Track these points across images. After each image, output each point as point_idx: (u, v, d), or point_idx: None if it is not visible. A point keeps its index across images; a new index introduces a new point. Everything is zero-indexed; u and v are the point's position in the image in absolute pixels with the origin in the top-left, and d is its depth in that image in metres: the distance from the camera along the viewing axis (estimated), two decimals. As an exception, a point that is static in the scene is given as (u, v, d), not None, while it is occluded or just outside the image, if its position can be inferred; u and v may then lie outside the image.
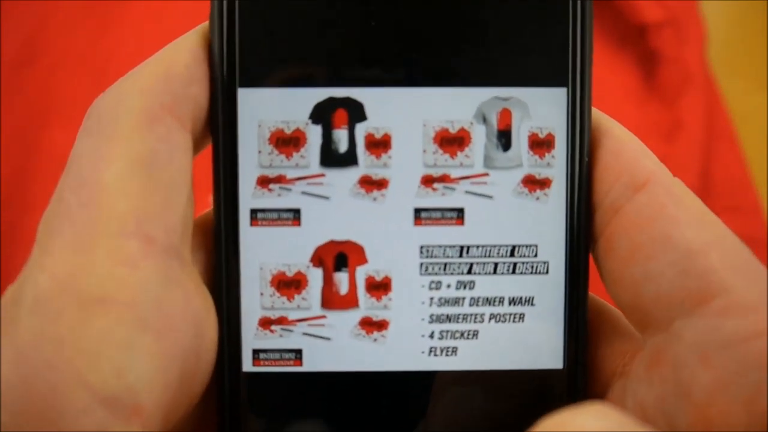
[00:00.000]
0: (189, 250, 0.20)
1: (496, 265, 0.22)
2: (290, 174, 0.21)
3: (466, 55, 0.21)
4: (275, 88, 0.21)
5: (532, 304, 0.22)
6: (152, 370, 0.18)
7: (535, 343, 0.22)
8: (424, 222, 0.21)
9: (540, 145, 0.21)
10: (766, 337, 0.18)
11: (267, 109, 0.21)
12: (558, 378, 0.21)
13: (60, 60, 0.54)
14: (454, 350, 0.22)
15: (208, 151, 0.22)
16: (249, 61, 0.21)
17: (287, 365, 0.21)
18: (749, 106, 0.60)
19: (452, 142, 0.21)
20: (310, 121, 0.21)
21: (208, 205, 0.22)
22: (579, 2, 0.21)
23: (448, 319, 0.22)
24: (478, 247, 0.21)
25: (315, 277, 0.21)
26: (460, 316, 0.22)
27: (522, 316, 0.22)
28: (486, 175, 0.21)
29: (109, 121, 0.19)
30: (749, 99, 0.60)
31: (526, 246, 0.21)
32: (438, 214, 0.21)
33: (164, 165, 0.19)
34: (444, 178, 0.21)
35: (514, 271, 0.22)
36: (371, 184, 0.21)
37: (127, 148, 0.19)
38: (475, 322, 0.22)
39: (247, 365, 0.21)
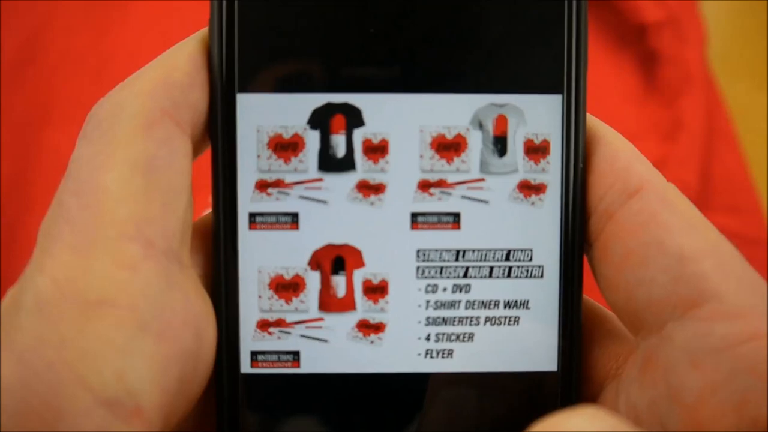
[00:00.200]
0: (188, 253, 0.21)
1: (491, 268, 0.22)
2: (288, 178, 0.21)
3: (462, 62, 0.21)
4: (274, 94, 0.21)
5: (527, 308, 0.22)
6: (152, 372, 0.18)
7: (529, 345, 0.22)
8: (421, 226, 0.22)
9: (535, 151, 0.21)
10: (756, 341, 0.18)
11: (266, 114, 0.21)
12: (552, 380, 0.22)
13: (60, 60, 0.54)
14: (450, 353, 0.22)
15: (207, 154, 0.22)
16: (248, 66, 0.21)
17: (285, 367, 0.22)
18: (749, 106, 0.59)
19: (449, 147, 0.21)
20: (308, 127, 0.21)
21: (209, 205, 0.22)
22: (574, 10, 0.21)
23: (444, 321, 0.22)
24: (473, 251, 0.22)
25: (313, 280, 0.22)
26: (456, 319, 0.22)
27: (517, 319, 0.22)
28: (482, 180, 0.21)
29: (109, 126, 0.19)
30: (749, 99, 0.60)
31: (522, 250, 0.22)
32: (434, 219, 0.22)
33: (164, 169, 0.19)
34: (440, 183, 0.21)
35: (509, 275, 0.22)
36: (369, 189, 0.21)
37: (126, 152, 0.19)
38: (470, 325, 0.22)
39: (246, 367, 0.22)
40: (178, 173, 0.20)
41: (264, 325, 0.22)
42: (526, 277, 0.22)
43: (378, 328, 0.22)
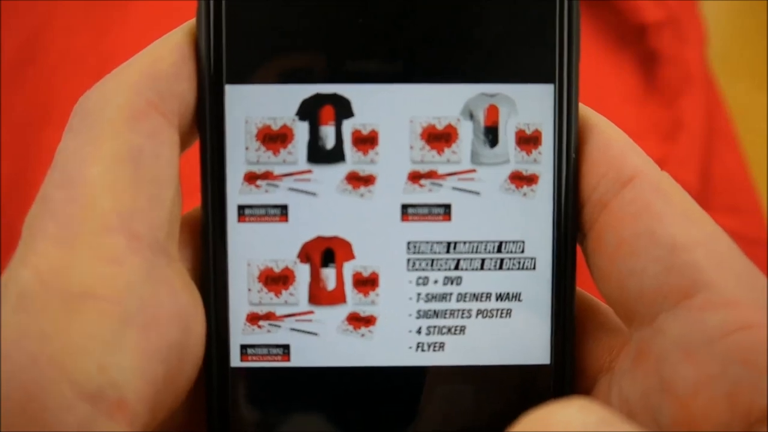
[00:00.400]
0: (176, 246, 0.20)
1: (483, 260, 0.22)
2: (277, 170, 0.21)
3: (453, 52, 0.21)
4: (262, 85, 0.21)
5: (519, 300, 0.22)
6: (136, 365, 0.18)
7: (522, 338, 0.22)
8: (411, 218, 0.21)
9: (527, 141, 0.21)
10: (748, 331, 0.18)
11: (254, 105, 0.21)
12: (545, 373, 0.22)
13: (60, 60, 0.54)
14: (442, 346, 0.22)
15: (196, 147, 0.22)
16: (236, 57, 0.21)
17: (275, 360, 0.21)
18: (749, 106, 0.59)
19: (439, 138, 0.21)
20: (297, 118, 0.21)
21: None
22: None
23: (436, 314, 0.22)
24: (465, 243, 0.21)
25: (302, 272, 0.21)
26: (448, 312, 0.22)
27: (509, 312, 0.22)
28: (473, 171, 0.21)
29: (95, 118, 0.19)
30: (749, 99, 0.60)
31: (513, 242, 0.21)
32: (425, 210, 0.21)
33: (150, 161, 0.19)
34: (431, 175, 0.21)
35: (501, 267, 0.22)
36: (358, 181, 0.21)
37: (112, 144, 0.19)
38: (462, 317, 0.22)
39: (235, 360, 0.21)
40: (165, 165, 0.20)
41: (253, 319, 0.21)
42: (518, 269, 0.22)
43: (368, 321, 0.22)
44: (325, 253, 0.21)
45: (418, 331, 0.22)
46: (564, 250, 0.21)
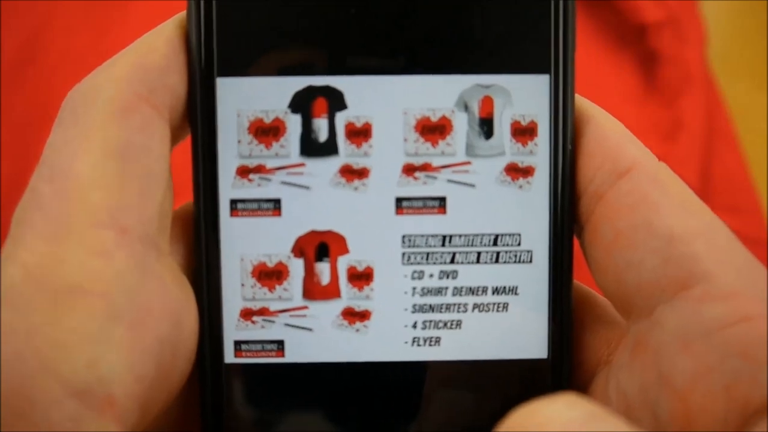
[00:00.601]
0: (167, 240, 0.20)
1: (479, 254, 0.21)
2: (270, 164, 0.21)
3: (446, 43, 0.21)
4: (254, 77, 0.21)
5: (515, 294, 0.21)
6: (125, 361, 0.18)
7: (519, 332, 0.21)
8: (406, 211, 0.21)
9: (522, 132, 0.21)
10: (747, 323, 0.17)
11: (246, 98, 0.21)
12: (542, 367, 0.21)
13: (61, 60, 0.54)
14: (437, 340, 0.21)
15: (187, 141, 0.21)
16: (227, 50, 0.21)
17: (269, 356, 0.21)
18: (749, 106, 0.59)
19: (433, 130, 0.21)
20: (289, 110, 0.21)
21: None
22: None
23: (431, 309, 0.21)
24: (460, 236, 0.21)
25: (296, 267, 0.21)
26: (443, 306, 0.21)
27: (506, 306, 0.21)
28: (468, 163, 0.21)
29: (84, 111, 0.19)
30: (749, 99, 0.60)
31: (510, 235, 0.21)
32: (420, 203, 0.21)
33: (140, 155, 0.19)
34: (425, 167, 0.21)
35: (497, 261, 0.21)
36: (352, 174, 0.21)
37: (101, 138, 0.19)
38: (458, 311, 0.21)
39: (229, 357, 0.21)
40: (156, 159, 0.19)
41: (247, 314, 0.21)
42: (515, 262, 0.21)
43: (363, 315, 0.21)
44: (319, 247, 0.21)
45: (414, 326, 0.21)
46: (561, 242, 0.21)
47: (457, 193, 0.21)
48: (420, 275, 0.21)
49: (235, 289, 0.21)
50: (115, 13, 0.55)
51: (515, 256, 0.21)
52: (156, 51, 0.20)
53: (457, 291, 0.21)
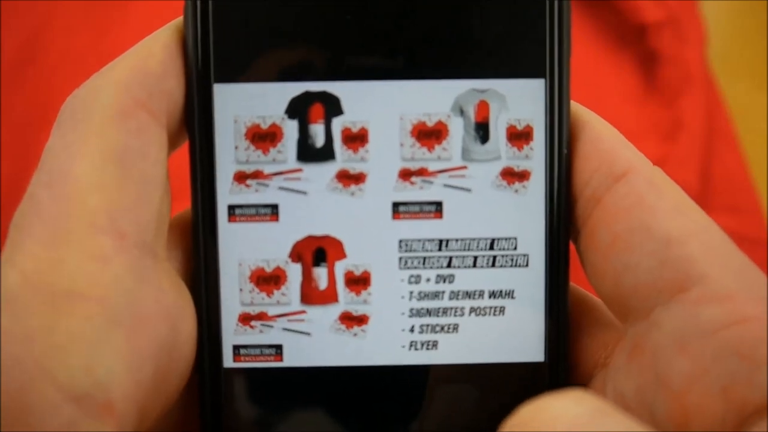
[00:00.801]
0: (164, 245, 0.20)
1: (475, 258, 0.21)
2: (267, 169, 0.21)
3: (442, 48, 0.21)
4: (251, 83, 0.21)
5: (512, 297, 0.21)
6: (123, 366, 0.18)
7: (516, 336, 0.21)
8: (403, 216, 0.21)
9: (518, 137, 0.21)
10: (743, 324, 0.18)
11: (243, 104, 0.21)
12: (539, 371, 0.21)
13: (61, 60, 0.54)
14: (435, 344, 0.21)
15: (185, 147, 0.22)
16: (224, 56, 0.21)
17: (268, 361, 0.21)
18: (749, 106, 0.59)
19: (429, 135, 0.21)
20: (286, 116, 0.21)
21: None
22: None
23: (428, 313, 0.21)
24: (457, 240, 0.21)
25: (294, 272, 0.21)
26: (440, 310, 0.21)
27: (502, 309, 0.21)
28: (464, 168, 0.21)
29: (82, 116, 0.19)
30: (749, 99, 0.60)
31: (506, 239, 0.21)
32: (416, 208, 0.21)
33: (138, 160, 0.19)
34: (422, 172, 0.21)
35: (493, 264, 0.21)
36: (349, 179, 0.21)
37: (99, 143, 0.19)
38: (455, 315, 0.21)
39: (228, 361, 0.21)
40: (153, 164, 0.20)
41: (246, 319, 0.21)
42: (511, 266, 0.21)
43: (361, 320, 0.21)
44: (317, 252, 0.21)
45: (411, 330, 0.21)
46: (557, 246, 0.21)
47: (454, 197, 0.21)
48: (417, 279, 0.21)
49: (234, 294, 0.21)
50: (115, 13, 0.55)
51: (511, 259, 0.21)
52: (153, 57, 0.20)
53: (454, 295, 0.21)
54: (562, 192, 0.21)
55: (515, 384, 0.21)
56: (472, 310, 0.21)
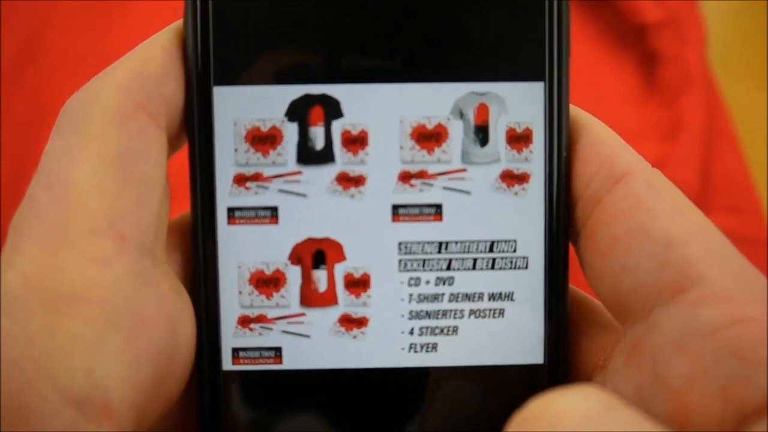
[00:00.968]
0: (163, 248, 0.20)
1: (475, 260, 0.21)
2: (267, 172, 0.21)
3: (442, 51, 0.21)
4: (251, 86, 0.21)
5: (512, 300, 0.21)
6: (123, 369, 0.18)
7: (515, 338, 0.21)
8: (402, 218, 0.21)
9: (518, 139, 0.21)
10: (742, 325, 0.18)
11: (243, 107, 0.21)
12: (539, 373, 0.21)
13: (61, 60, 0.54)
14: (435, 347, 0.21)
15: (185, 150, 0.22)
16: (224, 59, 0.21)
17: (267, 363, 0.21)
18: (749, 106, 0.59)
19: (429, 137, 0.21)
20: (286, 119, 0.21)
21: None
22: None
23: (428, 315, 0.21)
24: (456, 243, 0.21)
25: (293, 275, 0.21)
26: (440, 313, 0.21)
27: (502, 312, 0.21)
28: (464, 170, 0.21)
29: (82, 119, 0.19)
30: (749, 99, 0.60)
31: (505, 241, 0.21)
32: (416, 211, 0.21)
33: (137, 163, 0.19)
34: (421, 174, 0.21)
35: (493, 267, 0.21)
36: (348, 181, 0.21)
37: (99, 146, 0.19)
38: (454, 318, 0.22)
39: (227, 364, 0.21)
40: (153, 167, 0.20)
41: (245, 321, 0.21)
42: (511, 268, 0.21)
43: (360, 322, 0.21)
44: (316, 254, 0.21)
45: (411, 332, 0.21)
46: (556, 248, 0.21)
47: (453, 200, 0.21)
48: (416, 282, 0.21)
49: (233, 297, 0.21)
50: (115, 13, 0.55)
51: (511, 262, 0.21)
52: (153, 60, 0.20)
53: (454, 297, 0.22)
54: (562, 195, 0.21)
55: (515, 386, 0.21)
56: (472, 312, 0.21)
